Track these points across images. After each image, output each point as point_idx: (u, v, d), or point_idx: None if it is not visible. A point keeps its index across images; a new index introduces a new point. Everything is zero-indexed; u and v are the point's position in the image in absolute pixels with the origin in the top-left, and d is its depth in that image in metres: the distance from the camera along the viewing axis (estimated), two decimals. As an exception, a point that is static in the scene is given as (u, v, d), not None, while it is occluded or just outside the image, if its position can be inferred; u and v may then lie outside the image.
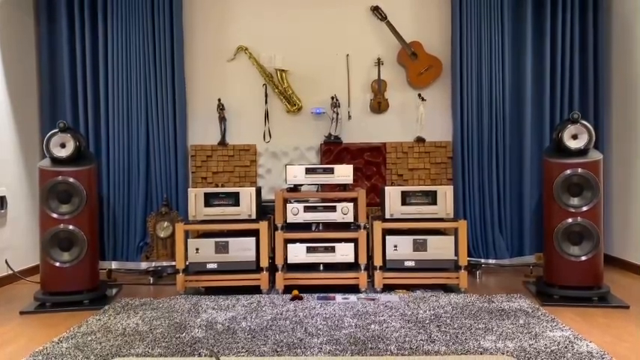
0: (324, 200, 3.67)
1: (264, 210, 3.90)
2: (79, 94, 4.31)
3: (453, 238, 3.53)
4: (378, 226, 3.56)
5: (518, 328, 2.72)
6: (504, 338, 2.57)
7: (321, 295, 3.41)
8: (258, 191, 3.78)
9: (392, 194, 3.61)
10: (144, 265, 4.21)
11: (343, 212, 3.60)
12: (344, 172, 3.68)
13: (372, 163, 4.39)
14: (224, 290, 3.53)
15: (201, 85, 4.48)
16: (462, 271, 3.47)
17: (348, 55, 4.46)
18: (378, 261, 3.53)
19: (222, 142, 4.43)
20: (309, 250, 3.55)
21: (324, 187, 3.85)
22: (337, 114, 4.33)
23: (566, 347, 2.42)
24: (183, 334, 2.69)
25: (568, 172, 3.20)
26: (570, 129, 3.25)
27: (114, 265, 4.25)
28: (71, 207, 3.29)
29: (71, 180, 3.28)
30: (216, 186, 4.20)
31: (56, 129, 3.31)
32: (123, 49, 4.30)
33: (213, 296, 3.43)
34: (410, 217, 3.59)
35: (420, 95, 4.37)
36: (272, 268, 3.59)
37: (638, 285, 3.63)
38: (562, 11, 4.22)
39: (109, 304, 3.28)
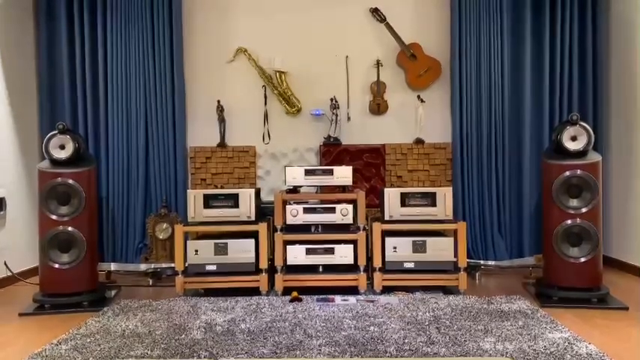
0: (323, 202, 3.67)
1: (264, 211, 3.90)
2: (78, 95, 4.31)
3: (452, 239, 3.53)
4: (377, 228, 3.56)
5: (517, 329, 2.72)
6: (504, 340, 2.57)
7: (321, 296, 3.41)
8: (258, 193, 3.78)
9: (391, 196, 3.61)
10: (143, 266, 4.20)
11: (342, 214, 3.60)
12: (343, 174, 3.68)
13: (371, 165, 4.39)
14: (223, 292, 3.52)
15: (201, 87, 4.48)
16: (462, 272, 3.47)
17: (347, 56, 4.46)
18: (377, 262, 3.53)
19: (222, 144, 4.42)
20: (309, 251, 3.55)
21: (323, 189, 3.85)
22: (336, 115, 4.33)
23: (565, 349, 2.42)
24: (183, 336, 2.69)
25: (567, 173, 3.21)
26: (569, 130, 3.25)
27: (113, 266, 4.24)
28: (70, 208, 3.28)
29: (70, 181, 3.28)
30: (216, 187, 4.20)
31: (55, 130, 3.31)
32: (122, 51, 4.30)
33: (212, 298, 3.43)
34: (409, 219, 3.59)
35: (419, 97, 4.37)
36: (271, 270, 3.59)
37: (638, 286, 3.63)
38: (561, 13, 4.22)
39: (108, 306, 3.28)
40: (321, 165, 4.35)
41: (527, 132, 4.28)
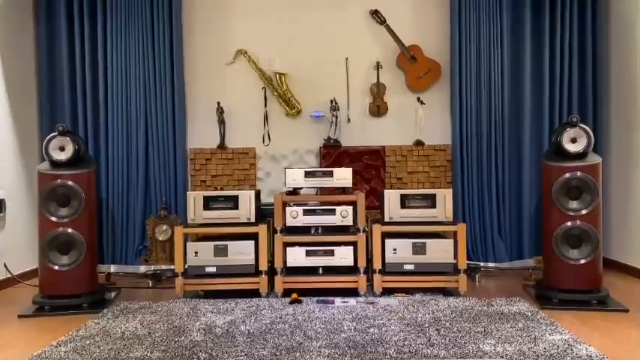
0: (323, 203, 3.67)
1: (264, 213, 3.90)
2: (78, 96, 4.31)
3: (452, 241, 3.53)
4: (377, 230, 3.56)
5: (517, 331, 2.72)
6: (503, 342, 2.56)
7: (320, 298, 3.41)
8: (258, 194, 3.78)
9: (391, 197, 3.61)
10: (143, 268, 4.20)
11: (342, 215, 3.60)
12: (343, 176, 3.68)
13: (371, 167, 4.39)
14: (223, 294, 3.52)
15: (201, 89, 4.48)
16: (462, 274, 3.47)
17: (347, 58, 4.46)
18: (377, 264, 3.53)
19: (222, 146, 4.42)
20: (309, 253, 3.55)
21: (323, 191, 3.85)
22: (336, 117, 4.33)
23: (565, 351, 2.42)
24: (182, 338, 2.69)
25: (567, 175, 3.21)
26: (569, 132, 3.25)
27: (113, 268, 4.24)
28: (70, 210, 3.28)
29: (70, 183, 3.28)
30: (216, 189, 4.20)
31: (55, 132, 3.31)
32: (122, 52, 4.30)
33: (212, 300, 3.42)
34: (409, 221, 3.59)
35: (419, 99, 4.37)
36: (271, 272, 3.59)
37: (637, 288, 3.63)
38: (561, 13, 4.23)
39: (107, 308, 3.28)
40: (321, 167, 4.35)
41: (526, 133, 4.29)
